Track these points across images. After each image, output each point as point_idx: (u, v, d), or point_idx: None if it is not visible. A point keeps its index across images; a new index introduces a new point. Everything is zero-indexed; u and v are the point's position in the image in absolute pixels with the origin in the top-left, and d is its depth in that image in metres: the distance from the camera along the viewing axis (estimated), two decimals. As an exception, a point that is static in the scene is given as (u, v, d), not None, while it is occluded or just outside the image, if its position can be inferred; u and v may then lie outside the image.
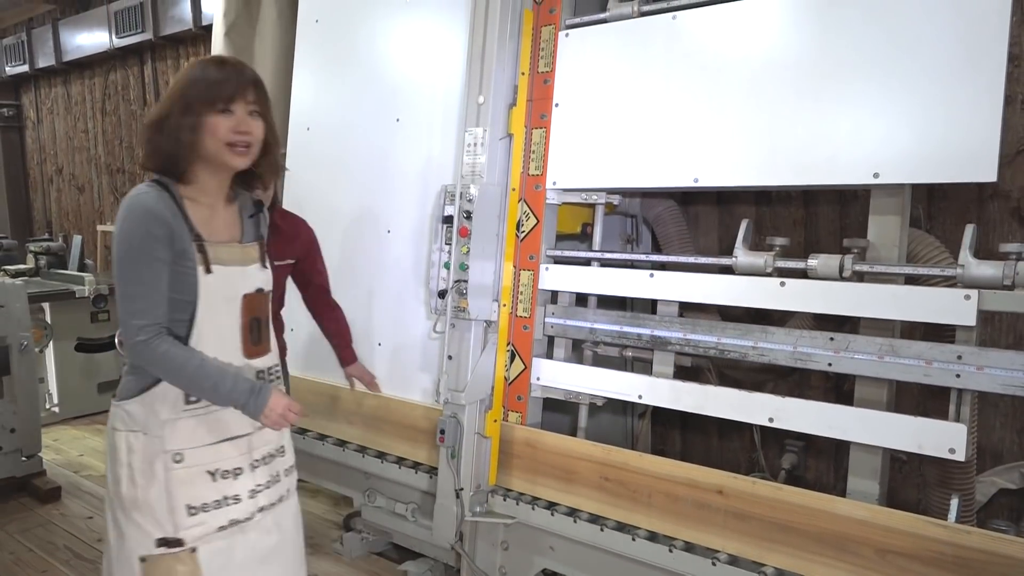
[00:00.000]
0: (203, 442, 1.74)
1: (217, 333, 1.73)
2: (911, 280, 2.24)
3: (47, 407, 5.05)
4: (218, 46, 4.08)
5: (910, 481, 2.88)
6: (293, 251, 2.76)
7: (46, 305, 4.98)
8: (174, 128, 1.64)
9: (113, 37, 6.18)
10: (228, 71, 1.67)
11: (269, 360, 1.87)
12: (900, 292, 2.12)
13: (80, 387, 5.12)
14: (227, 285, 1.73)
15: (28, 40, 7.25)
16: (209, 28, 4.57)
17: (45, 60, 7.11)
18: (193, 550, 1.72)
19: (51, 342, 5.01)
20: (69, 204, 7.67)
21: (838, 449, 2.99)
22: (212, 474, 1.74)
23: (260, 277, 1.83)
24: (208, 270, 1.68)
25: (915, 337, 2.23)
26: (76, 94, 7.33)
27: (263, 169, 1.78)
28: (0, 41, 7.69)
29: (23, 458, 3.93)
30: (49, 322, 5.00)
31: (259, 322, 1.81)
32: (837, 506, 2.16)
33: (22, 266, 5.61)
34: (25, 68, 7.38)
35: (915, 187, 2.35)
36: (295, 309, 2.91)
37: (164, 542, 1.70)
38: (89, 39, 6.52)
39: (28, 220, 8.30)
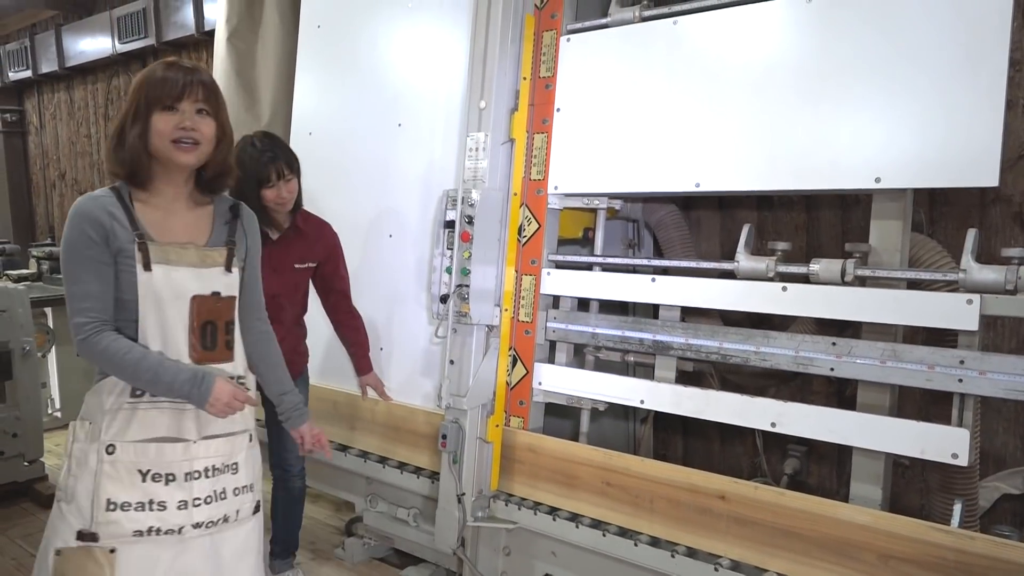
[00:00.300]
0: (136, 437, 1.71)
1: (161, 333, 1.71)
2: (913, 285, 2.23)
3: (49, 412, 5.06)
4: (220, 51, 4.09)
5: (913, 486, 2.88)
6: (315, 254, 2.75)
7: (48, 310, 4.99)
8: (128, 134, 1.68)
9: (116, 42, 6.19)
10: (175, 71, 1.69)
11: (228, 370, 1.81)
12: (902, 297, 2.12)
13: (82, 392, 5.08)
14: (172, 285, 1.71)
15: (31, 45, 7.27)
16: (211, 34, 4.58)
17: (48, 65, 7.13)
18: (112, 551, 1.68)
19: (53, 347, 5.02)
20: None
21: (841, 454, 2.98)
22: (142, 474, 1.70)
23: (220, 281, 1.79)
24: (147, 268, 1.68)
25: (917, 342, 2.23)
26: (79, 99, 7.35)
27: (213, 169, 1.78)
28: (3, 46, 7.72)
29: (25, 463, 3.93)
30: (51, 327, 5.00)
31: (214, 326, 1.78)
32: (840, 511, 2.15)
33: (25, 271, 5.62)
34: (28, 73, 7.40)
35: (917, 192, 2.35)
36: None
37: (81, 535, 1.68)
38: (92, 44, 6.54)
39: (31, 225, 8.32)
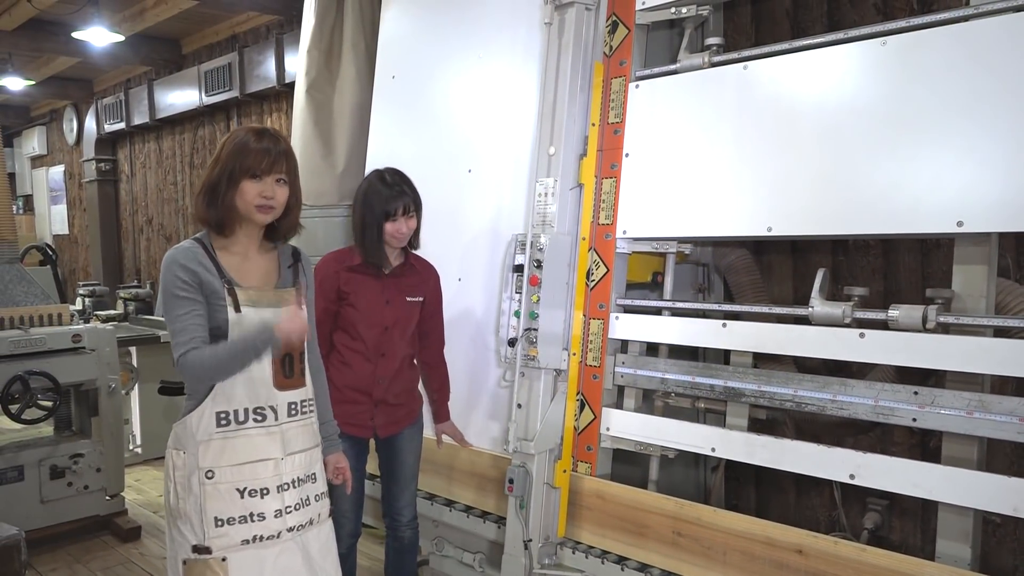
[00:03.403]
0: (232, 462, 1.92)
1: None
2: (1001, 332, 2.14)
3: (130, 448, 5.25)
4: (300, 102, 4.26)
5: (1005, 545, 2.72)
6: (423, 290, 2.74)
7: (133, 349, 5.20)
8: (221, 193, 1.92)
9: (203, 95, 6.53)
10: (266, 143, 1.92)
11: (302, 393, 2.05)
12: (989, 344, 2.03)
13: (162, 429, 5.28)
14: (256, 324, 1.92)
15: (126, 99, 7.73)
16: (291, 86, 4.78)
17: (140, 117, 7.55)
18: (223, 559, 1.90)
19: (136, 384, 5.22)
20: (157, 253, 8.05)
21: (925, 509, 2.84)
22: (240, 491, 1.92)
23: None
24: (237, 309, 1.92)
25: (1007, 392, 2.13)
26: (167, 148, 7.75)
27: (283, 225, 2.04)
28: (100, 101, 8.22)
29: (107, 497, 4.07)
30: (135, 365, 5.21)
31: (291, 357, 2.01)
32: (926, 570, 2.05)
33: (112, 311, 5.88)
34: (122, 125, 7.85)
35: (1003, 235, 2.26)
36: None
37: (196, 549, 1.90)
38: (181, 97, 6.91)
39: (119, 268, 8.74)
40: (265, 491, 1.95)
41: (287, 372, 2.00)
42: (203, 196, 1.94)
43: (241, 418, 1.93)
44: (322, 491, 2.12)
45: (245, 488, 1.92)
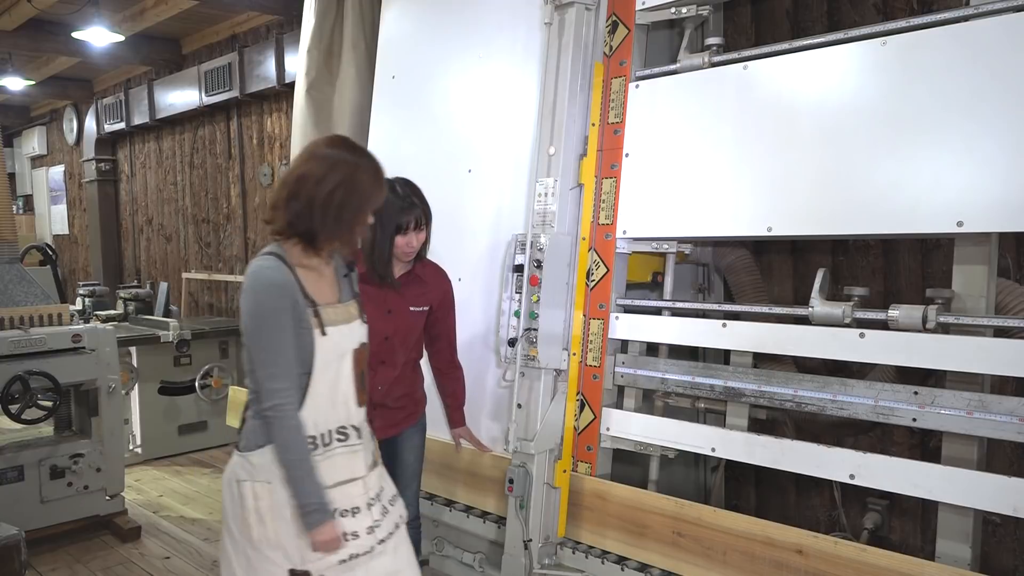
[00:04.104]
0: (324, 485, 1.88)
1: (330, 387, 1.92)
2: (1001, 332, 2.14)
3: (130, 448, 5.24)
4: (300, 102, 4.26)
5: (1005, 545, 2.72)
6: (429, 298, 2.68)
7: (133, 349, 5.20)
8: (359, 221, 1.92)
9: (203, 95, 6.52)
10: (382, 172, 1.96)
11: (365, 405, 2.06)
12: (989, 344, 2.04)
13: (162, 429, 5.29)
14: (339, 343, 1.93)
15: (125, 99, 7.72)
16: (291, 86, 4.78)
17: (140, 117, 7.54)
18: None
19: (136, 384, 5.22)
20: (157, 253, 8.04)
21: (925, 509, 2.84)
22: (334, 513, 1.89)
23: (361, 332, 2.02)
24: (324, 332, 1.89)
25: (1007, 392, 2.13)
26: (167, 149, 7.74)
27: None
28: (100, 101, 8.21)
29: (107, 497, 4.06)
30: (135, 365, 5.21)
31: (363, 373, 2.02)
32: (927, 571, 2.04)
33: (112, 311, 5.88)
34: (122, 125, 7.84)
35: (1003, 235, 2.26)
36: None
37: (294, 573, 1.88)
38: (181, 97, 6.90)
39: (119, 267, 8.73)
40: (356, 510, 1.94)
41: (361, 387, 2.01)
42: (332, 216, 1.86)
43: (327, 440, 1.92)
44: (393, 492, 2.13)
45: (337, 509, 1.90)
